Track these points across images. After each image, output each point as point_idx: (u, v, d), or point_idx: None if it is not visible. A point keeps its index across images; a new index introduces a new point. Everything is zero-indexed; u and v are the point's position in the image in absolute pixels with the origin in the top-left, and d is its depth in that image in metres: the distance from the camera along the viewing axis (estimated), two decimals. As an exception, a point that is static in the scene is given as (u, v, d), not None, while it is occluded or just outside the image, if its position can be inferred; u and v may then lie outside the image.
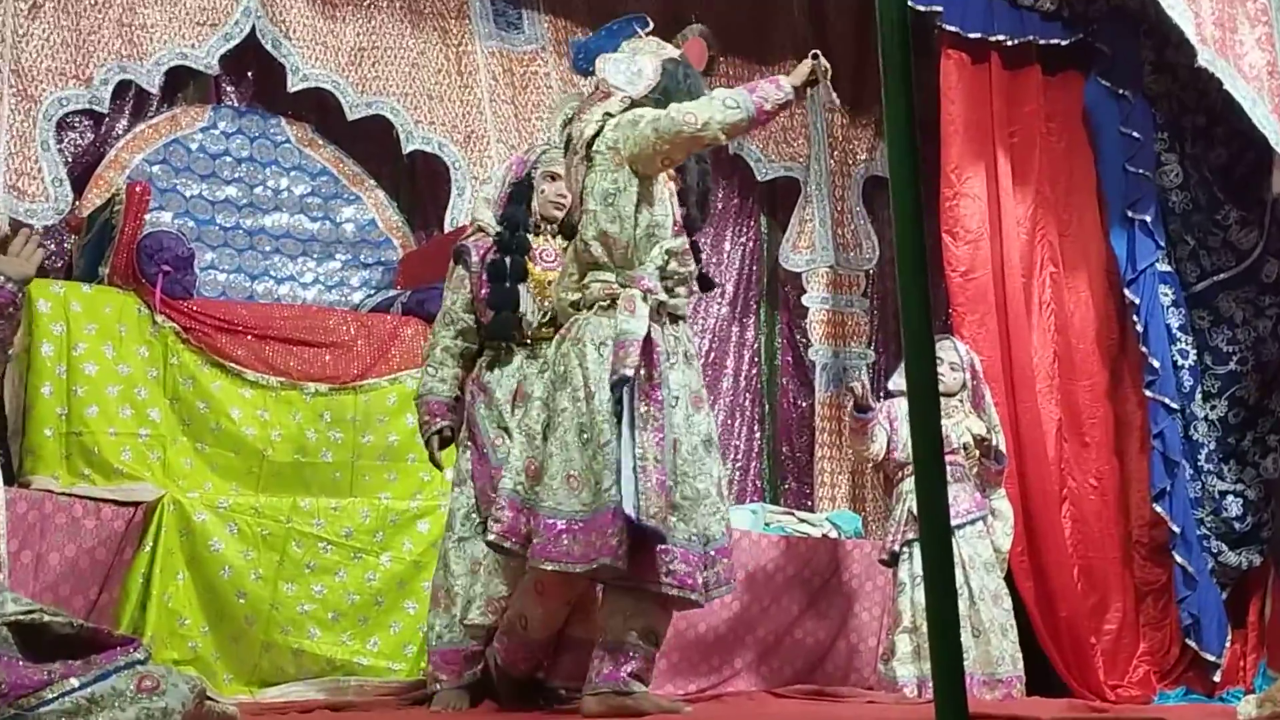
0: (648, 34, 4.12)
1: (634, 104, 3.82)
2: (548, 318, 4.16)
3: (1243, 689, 5.19)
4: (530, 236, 4.29)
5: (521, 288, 4.21)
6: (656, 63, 3.94)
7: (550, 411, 3.75)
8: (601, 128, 3.79)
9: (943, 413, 5.14)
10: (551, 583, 3.72)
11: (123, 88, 5.60)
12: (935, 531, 1.92)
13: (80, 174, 5.56)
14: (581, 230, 3.80)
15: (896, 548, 5.18)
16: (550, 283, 4.16)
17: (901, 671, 4.99)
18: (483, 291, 4.24)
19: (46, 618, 2.16)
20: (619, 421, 3.57)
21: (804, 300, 6.68)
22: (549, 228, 4.32)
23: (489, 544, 3.84)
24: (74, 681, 2.00)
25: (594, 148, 3.78)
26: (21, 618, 2.13)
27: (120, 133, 5.80)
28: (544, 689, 4.04)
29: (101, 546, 4.68)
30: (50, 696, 1.97)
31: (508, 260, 4.22)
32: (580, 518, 3.58)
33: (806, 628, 5.58)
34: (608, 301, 3.72)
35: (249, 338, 5.35)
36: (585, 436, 3.63)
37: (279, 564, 4.84)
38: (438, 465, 4.39)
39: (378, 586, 4.97)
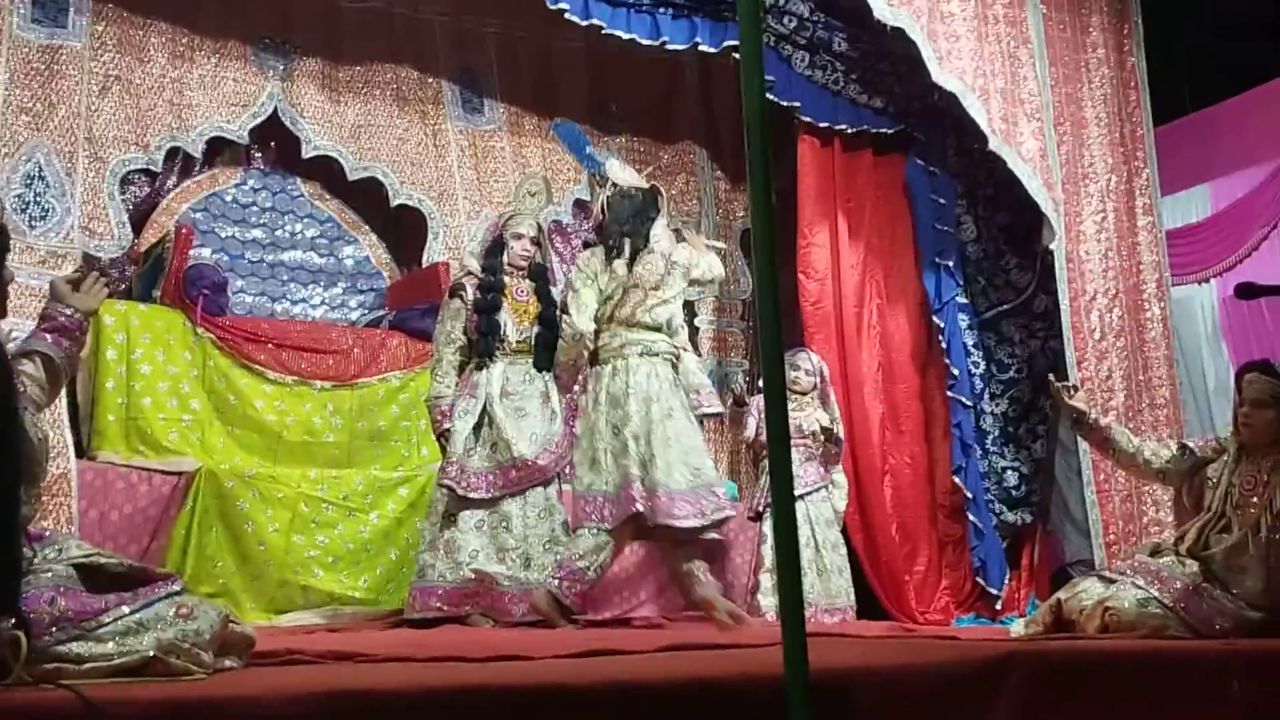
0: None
1: None
2: (523, 337, 4.26)
3: (1017, 614, 5.25)
4: (506, 279, 4.39)
5: (503, 316, 4.35)
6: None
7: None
8: None
9: (798, 407, 5.23)
10: None
11: (172, 153, 5.52)
12: (783, 494, 1.93)
13: (138, 219, 5.47)
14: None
15: (760, 508, 5.22)
16: (523, 312, 4.25)
17: (765, 602, 5.01)
18: (474, 318, 4.32)
19: (102, 560, 2.12)
20: None
21: (695, 323, 6.69)
22: (518, 272, 4.46)
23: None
24: (125, 609, 1.97)
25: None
26: (83, 560, 2.09)
27: (170, 187, 5.73)
28: None
29: (153, 506, 4.62)
30: (107, 620, 1.93)
31: (490, 297, 4.32)
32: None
33: (694, 569, 5.57)
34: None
35: (270, 346, 5.31)
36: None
37: (291, 520, 4.79)
38: (445, 452, 4.43)
39: (368, 537, 4.94)
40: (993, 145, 5.47)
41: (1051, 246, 5.56)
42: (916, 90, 5.73)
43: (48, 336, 2.31)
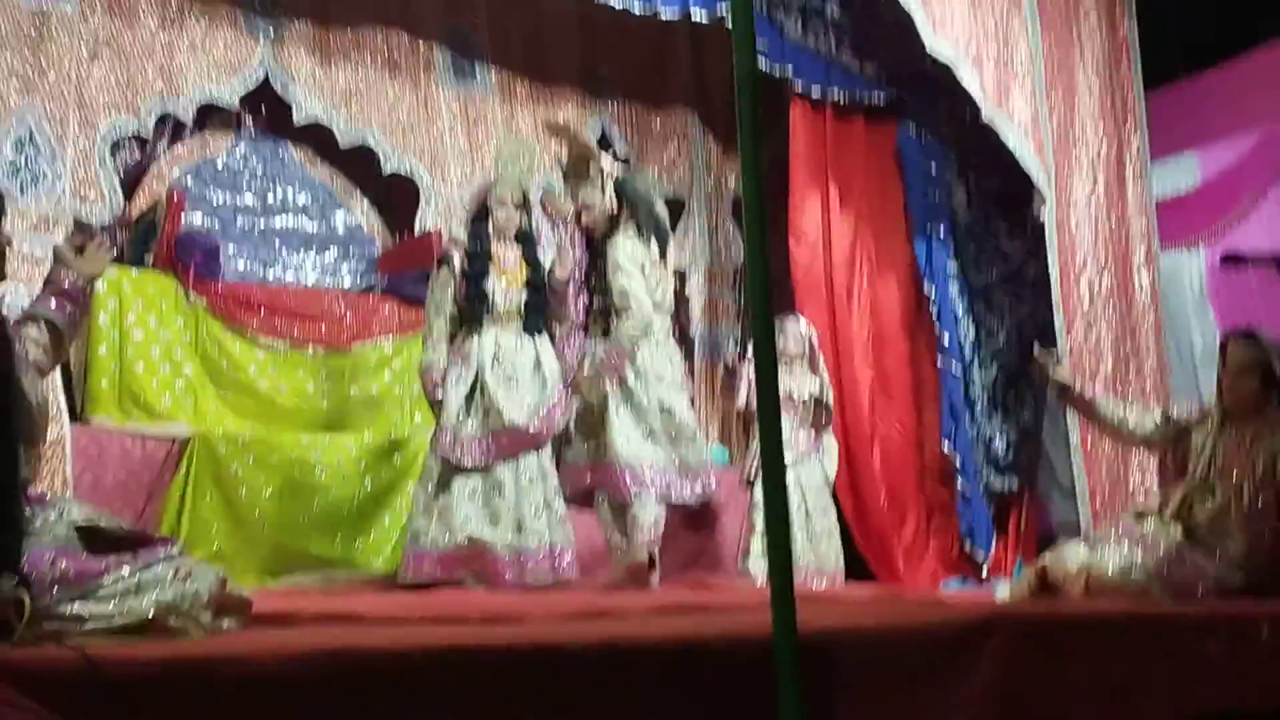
0: None
1: None
2: (512, 303, 4.29)
3: (1004, 578, 5.30)
4: (492, 245, 4.41)
5: (491, 282, 4.36)
6: None
7: None
8: None
9: (787, 373, 5.26)
10: None
11: (163, 118, 5.49)
12: (773, 460, 1.97)
13: (129, 184, 5.45)
14: None
15: (751, 475, 5.26)
16: (511, 278, 4.28)
17: (754, 566, 5.05)
18: (462, 286, 4.34)
19: (103, 523, 2.15)
20: None
21: (687, 291, 6.70)
22: (504, 238, 4.45)
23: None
24: (125, 570, 2.00)
25: None
26: (83, 523, 2.12)
27: (161, 152, 5.70)
28: None
29: (146, 471, 4.64)
30: (107, 582, 1.97)
31: (476, 264, 4.34)
32: None
33: (686, 534, 5.59)
34: None
35: (262, 312, 5.32)
36: None
37: (284, 485, 4.82)
38: (438, 419, 4.46)
39: (360, 502, 4.97)
40: (985, 113, 5.48)
41: (1042, 215, 5.57)
42: (909, 57, 5.72)
43: (51, 301, 2.32)
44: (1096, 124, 5.73)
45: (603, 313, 4.51)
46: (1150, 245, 5.79)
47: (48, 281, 2.39)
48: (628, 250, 4.46)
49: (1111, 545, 3.62)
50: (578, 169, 4.60)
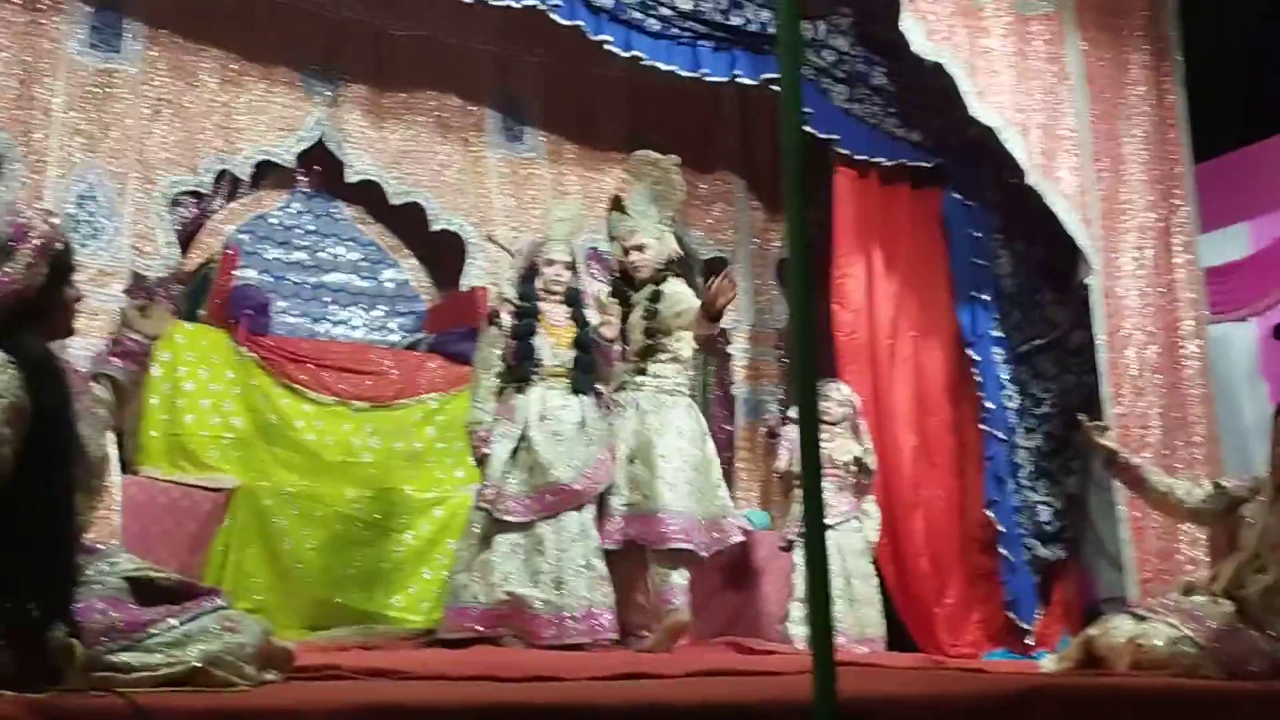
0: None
1: None
2: (559, 361, 4.35)
3: (1048, 650, 5.22)
4: (540, 304, 4.47)
5: (539, 341, 4.41)
6: None
7: None
8: None
9: (829, 437, 5.25)
10: None
11: (220, 174, 5.61)
12: (814, 523, 1.97)
13: (185, 239, 5.57)
14: None
15: (792, 537, 5.23)
16: (559, 336, 4.35)
17: (795, 630, 5.01)
18: (510, 344, 4.40)
19: (152, 574, 2.18)
20: None
21: (730, 350, 6.72)
22: (552, 297, 4.51)
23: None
24: (173, 621, 2.03)
25: None
26: (135, 574, 2.16)
27: (217, 208, 5.83)
28: None
29: (193, 521, 4.69)
30: (155, 632, 1.99)
31: (524, 322, 4.40)
32: None
33: (726, 596, 5.59)
34: None
35: (311, 366, 5.38)
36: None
37: (327, 538, 4.85)
38: (483, 475, 4.49)
39: (401, 557, 4.99)
40: (1030, 180, 5.49)
41: (1088, 282, 5.56)
42: (955, 124, 5.77)
43: (117, 360, 2.38)
44: (1144, 192, 5.71)
45: (642, 352, 4.55)
46: (1199, 315, 5.74)
47: (114, 342, 2.46)
48: (680, 287, 4.57)
49: (1160, 618, 3.55)
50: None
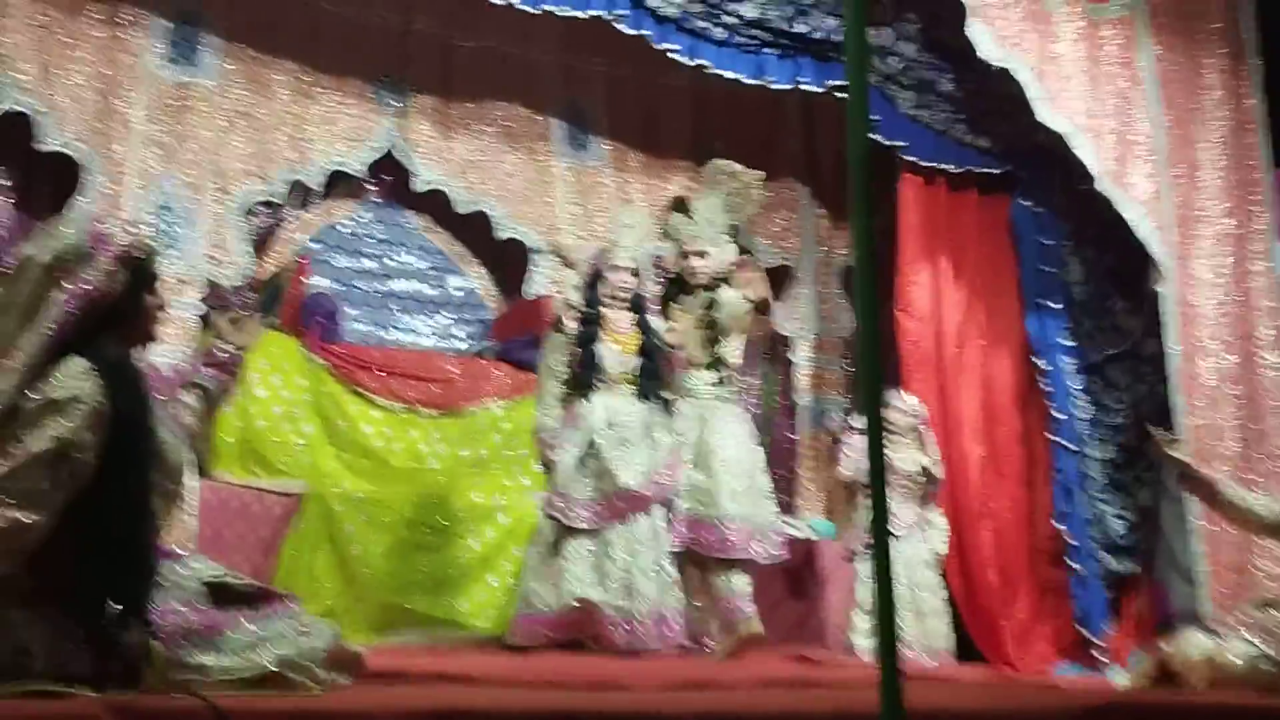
0: None
1: None
2: (625, 368, 4.38)
3: (1119, 665, 5.13)
4: (605, 311, 4.49)
5: (602, 348, 4.42)
6: None
7: None
8: None
9: (895, 448, 5.20)
10: None
11: (292, 185, 5.70)
12: (880, 536, 1.95)
13: (258, 247, 5.66)
14: None
15: (856, 547, 5.19)
16: (624, 343, 4.36)
17: (859, 641, 4.97)
18: (575, 351, 4.42)
19: (229, 579, 2.23)
20: None
21: (793, 358, 6.68)
22: (617, 304, 4.53)
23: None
24: (249, 625, 2.07)
25: None
26: (212, 579, 2.20)
27: (290, 218, 5.93)
28: None
29: (264, 526, 4.77)
30: (232, 635, 2.03)
31: (587, 329, 4.41)
32: None
33: (789, 605, 5.57)
34: None
35: (379, 374, 5.45)
36: None
37: (394, 544, 4.90)
38: (549, 482, 4.51)
39: (467, 563, 5.02)
40: (1101, 186, 5.40)
41: (1160, 290, 5.45)
42: (1023, 130, 5.69)
43: (209, 370, 2.44)
44: (1220, 199, 5.59)
45: (700, 359, 4.63)
46: (1278, 324, 5.60)
47: (206, 353, 2.52)
48: (734, 293, 4.64)
49: (1237, 635, 3.47)
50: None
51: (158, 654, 1.94)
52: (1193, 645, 3.49)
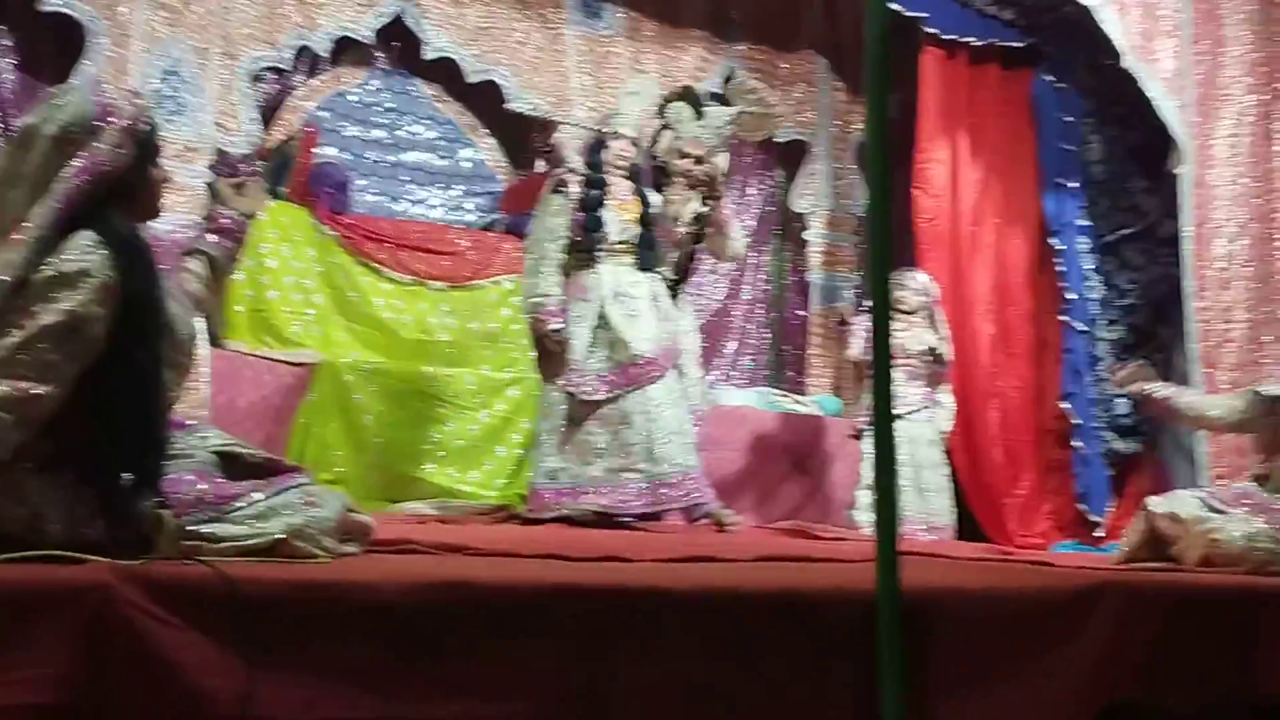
0: None
1: None
2: (626, 236, 4.32)
3: (1117, 543, 5.20)
4: (606, 177, 4.41)
5: (606, 214, 4.36)
6: None
7: None
8: None
9: (904, 327, 5.20)
10: None
11: (300, 51, 5.61)
12: (882, 416, 1.97)
13: (266, 116, 5.60)
14: None
15: (862, 425, 5.23)
16: (625, 211, 4.30)
17: (861, 517, 5.05)
18: (577, 216, 4.36)
19: (240, 449, 2.26)
20: None
21: (805, 235, 6.65)
22: (617, 171, 4.45)
23: None
24: (258, 495, 2.10)
25: None
26: (223, 449, 2.23)
27: (297, 85, 5.85)
28: None
29: (276, 395, 4.81)
30: (241, 505, 2.07)
31: (594, 194, 4.35)
32: None
33: (794, 481, 5.65)
34: None
35: (389, 245, 5.44)
36: None
37: (405, 415, 4.95)
38: (561, 351, 4.39)
39: (477, 435, 5.09)
40: (1126, 62, 5.29)
41: (1178, 171, 5.37)
42: (1048, 2, 5.54)
43: (212, 237, 2.42)
44: (1244, 77, 5.46)
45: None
46: (1295, 207, 5.51)
47: (208, 219, 2.49)
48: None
49: (1235, 511, 3.48)
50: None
51: (169, 523, 1.98)
52: (1182, 508, 3.50)
